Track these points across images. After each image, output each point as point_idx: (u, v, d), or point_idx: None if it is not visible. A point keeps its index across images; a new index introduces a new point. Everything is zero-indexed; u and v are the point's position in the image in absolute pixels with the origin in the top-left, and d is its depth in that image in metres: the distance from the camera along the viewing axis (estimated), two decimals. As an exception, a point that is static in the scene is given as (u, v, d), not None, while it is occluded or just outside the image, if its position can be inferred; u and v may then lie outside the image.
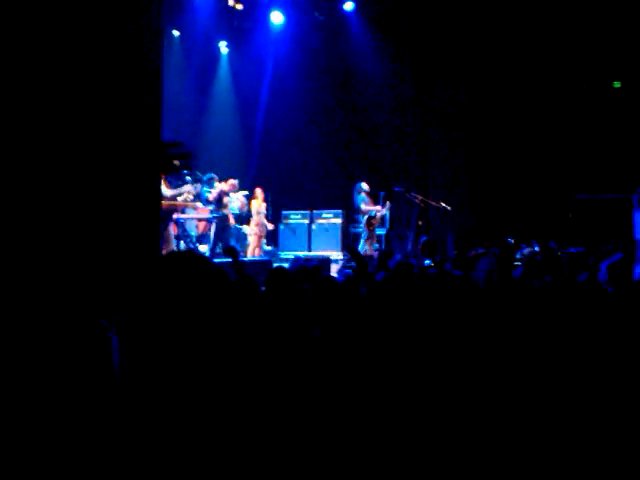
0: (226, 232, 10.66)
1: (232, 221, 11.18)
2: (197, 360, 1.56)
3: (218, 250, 9.96)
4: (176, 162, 7.15)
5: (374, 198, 12.26)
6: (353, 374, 1.93)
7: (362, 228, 11.66)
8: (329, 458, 1.66)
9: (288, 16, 13.47)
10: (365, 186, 12.08)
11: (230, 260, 4.65)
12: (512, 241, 9.55)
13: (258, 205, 11.83)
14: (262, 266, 9.10)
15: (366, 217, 11.63)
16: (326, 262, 9.65)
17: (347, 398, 1.89)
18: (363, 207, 11.93)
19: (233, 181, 11.41)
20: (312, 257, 10.76)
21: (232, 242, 10.73)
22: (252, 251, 11.52)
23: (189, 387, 1.55)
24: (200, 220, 10.57)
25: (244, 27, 13.64)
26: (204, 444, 1.48)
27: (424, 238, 7.86)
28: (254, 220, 11.72)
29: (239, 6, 12.77)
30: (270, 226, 12.09)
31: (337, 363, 2.27)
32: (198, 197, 10.38)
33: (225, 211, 10.69)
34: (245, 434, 1.49)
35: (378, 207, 11.97)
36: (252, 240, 11.66)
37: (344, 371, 2.03)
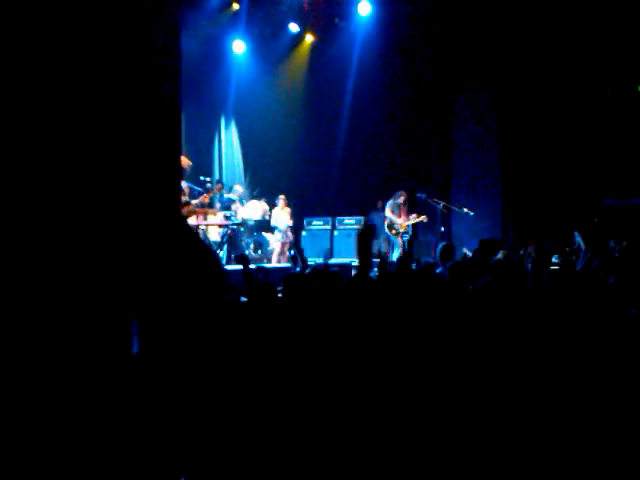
0: (232, 240, 10.60)
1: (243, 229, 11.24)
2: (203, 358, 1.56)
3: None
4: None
5: (410, 207, 12.30)
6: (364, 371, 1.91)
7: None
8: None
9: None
10: (399, 196, 12.06)
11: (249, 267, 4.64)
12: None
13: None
14: (283, 273, 9.07)
15: (386, 222, 11.90)
16: (347, 269, 9.61)
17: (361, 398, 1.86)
18: (386, 212, 12.04)
19: (237, 187, 11.58)
20: (331, 264, 10.73)
21: (245, 250, 10.78)
22: (277, 257, 11.54)
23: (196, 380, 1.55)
24: (220, 226, 10.60)
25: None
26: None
27: (442, 244, 7.78)
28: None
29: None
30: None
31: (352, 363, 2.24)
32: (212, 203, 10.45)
33: (234, 219, 10.74)
34: (243, 436, 1.48)
35: (400, 220, 11.92)
36: (276, 247, 11.73)
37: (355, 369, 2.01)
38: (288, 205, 12.12)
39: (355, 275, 4.07)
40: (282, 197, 12.03)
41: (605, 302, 2.72)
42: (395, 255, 11.75)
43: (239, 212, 11.35)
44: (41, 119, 3.76)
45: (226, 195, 11.58)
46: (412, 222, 12.05)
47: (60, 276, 3.66)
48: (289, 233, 11.93)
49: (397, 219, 11.89)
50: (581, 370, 1.96)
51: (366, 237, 3.65)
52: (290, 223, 11.97)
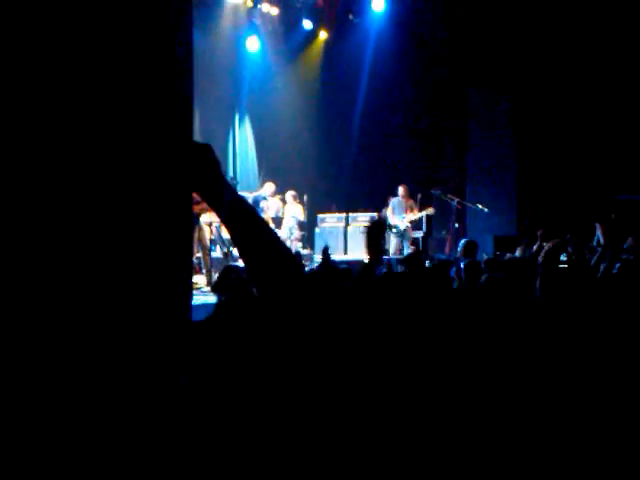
0: None
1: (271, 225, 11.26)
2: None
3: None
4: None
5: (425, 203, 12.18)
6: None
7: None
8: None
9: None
10: (399, 190, 11.94)
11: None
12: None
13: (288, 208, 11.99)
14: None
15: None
16: (361, 265, 9.57)
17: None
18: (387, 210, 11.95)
19: (270, 184, 11.60)
20: (342, 261, 10.65)
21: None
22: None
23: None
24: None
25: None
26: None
27: (464, 240, 7.72)
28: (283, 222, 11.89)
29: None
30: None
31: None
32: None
33: (263, 215, 10.76)
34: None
35: (395, 220, 11.77)
36: (283, 242, 11.76)
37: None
38: (300, 201, 12.10)
39: (362, 272, 3.99)
40: (291, 193, 12.01)
41: (618, 303, 2.69)
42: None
43: (267, 210, 11.46)
44: (43, 117, 3.77)
45: (257, 193, 11.64)
46: (415, 217, 11.78)
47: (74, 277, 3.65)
48: (295, 230, 11.87)
49: (393, 218, 11.71)
50: (582, 374, 1.94)
51: (374, 233, 3.56)
52: (302, 219, 11.93)
